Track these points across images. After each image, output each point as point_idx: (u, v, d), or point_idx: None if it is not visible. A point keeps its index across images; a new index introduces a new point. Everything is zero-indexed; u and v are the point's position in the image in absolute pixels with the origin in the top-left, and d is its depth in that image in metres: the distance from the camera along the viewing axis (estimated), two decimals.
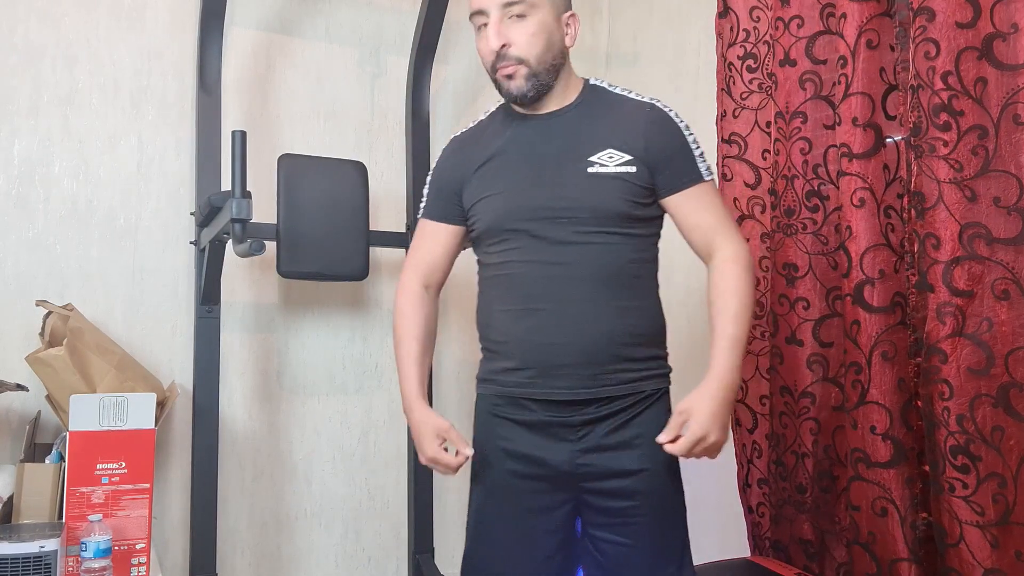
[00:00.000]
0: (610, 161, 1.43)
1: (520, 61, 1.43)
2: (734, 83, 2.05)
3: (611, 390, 1.42)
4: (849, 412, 1.67)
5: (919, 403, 1.54)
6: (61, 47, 2.13)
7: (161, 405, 1.94)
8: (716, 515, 2.15)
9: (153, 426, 1.80)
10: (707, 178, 1.47)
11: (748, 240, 1.94)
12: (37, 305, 1.88)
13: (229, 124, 2.25)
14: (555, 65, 1.46)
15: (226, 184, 2.15)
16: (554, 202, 1.43)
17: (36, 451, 1.86)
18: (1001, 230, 1.42)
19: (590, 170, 1.43)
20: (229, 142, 1.65)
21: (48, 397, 1.84)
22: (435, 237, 1.59)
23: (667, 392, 1.49)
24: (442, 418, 1.49)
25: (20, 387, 1.84)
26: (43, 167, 2.10)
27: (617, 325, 1.42)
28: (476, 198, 1.52)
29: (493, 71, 1.46)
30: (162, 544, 2.15)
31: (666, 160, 1.44)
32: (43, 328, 1.90)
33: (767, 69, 1.97)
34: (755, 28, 2.00)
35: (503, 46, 1.42)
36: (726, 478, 2.08)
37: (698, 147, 1.48)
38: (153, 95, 2.23)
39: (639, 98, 1.51)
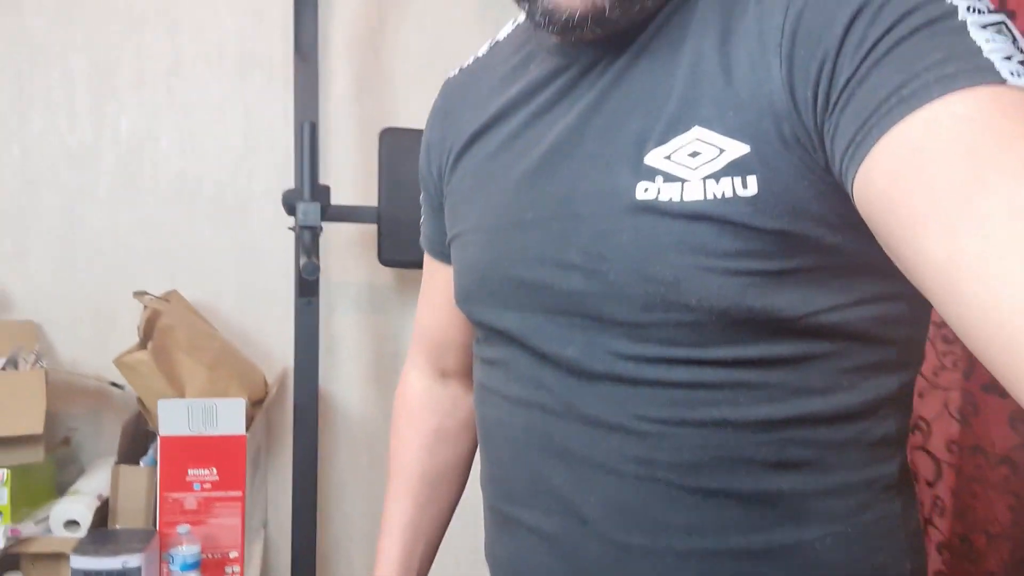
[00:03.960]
0: (691, 168, 0.54)
1: None
2: None
3: None
4: None
5: None
6: (162, 14, 2.00)
7: (260, 402, 1.84)
8: None
9: (244, 432, 1.69)
10: (1015, 81, 0.45)
11: None
12: (134, 298, 1.81)
13: (334, 91, 2.04)
14: None
15: (324, 161, 1.96)
16: (556, 278, 0.61)
17: (131, 453, 1.82)
18: None
19: (640, 196, 0.56)
20: (329, 114, 1.42)
21: (139, 399, 1.78)
22: (435, 285, 0.87)
23: None
24: None
25: (115, 385, 1.79)
26: (151, 141, 2.01)
27: None
28: (449, 231, 0.77)
29: None
30: (268, 547, 2.09)
31: (850, 52, 0.50)
32: (141, 321, 1.83)
33: None
34: None
35: None
36: None
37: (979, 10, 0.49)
38: (259, 61, 2.06)
39: None
